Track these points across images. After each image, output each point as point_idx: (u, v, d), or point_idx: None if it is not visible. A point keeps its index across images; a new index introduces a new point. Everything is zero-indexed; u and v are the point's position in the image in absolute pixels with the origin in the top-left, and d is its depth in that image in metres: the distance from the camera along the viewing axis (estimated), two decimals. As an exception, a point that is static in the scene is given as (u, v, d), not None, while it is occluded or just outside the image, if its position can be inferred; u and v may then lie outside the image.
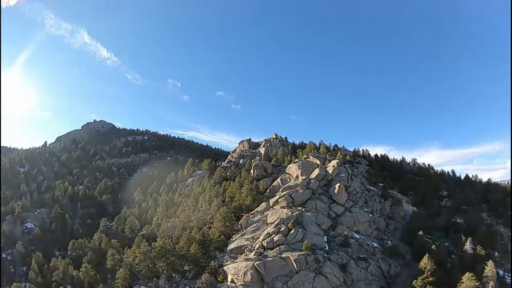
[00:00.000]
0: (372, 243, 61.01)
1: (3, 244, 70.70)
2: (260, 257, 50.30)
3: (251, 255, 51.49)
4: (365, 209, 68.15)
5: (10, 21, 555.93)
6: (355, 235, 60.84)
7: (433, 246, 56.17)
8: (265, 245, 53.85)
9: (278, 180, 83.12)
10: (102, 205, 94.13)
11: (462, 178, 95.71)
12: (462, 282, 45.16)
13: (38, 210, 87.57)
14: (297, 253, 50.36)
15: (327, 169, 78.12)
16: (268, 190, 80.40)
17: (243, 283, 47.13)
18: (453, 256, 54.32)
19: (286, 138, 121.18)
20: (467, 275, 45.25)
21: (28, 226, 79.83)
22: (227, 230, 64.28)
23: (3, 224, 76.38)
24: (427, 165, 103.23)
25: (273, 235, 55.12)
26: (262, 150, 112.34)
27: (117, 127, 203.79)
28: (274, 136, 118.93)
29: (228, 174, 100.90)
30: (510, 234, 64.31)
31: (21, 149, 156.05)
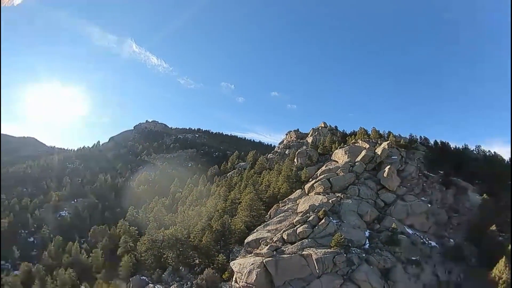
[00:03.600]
0: (430, 241, 45.95)
1: (34, 229, 72.70)
2: (275, 252, 38.93)
3: (264, 250, 40.07)
4: (423, 198, 53.04)
5: (57, 38, 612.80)
6: (407, 230, 46.43)
7: (510, 247, 40.25)
8: (285, 238, 42.19)
9: (323, 168, 71.58)
10: (138, 195, 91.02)
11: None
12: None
13: (75, 200, 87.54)
14: (323, 250, 38.06)
15: (376, 150, 64.63)
16: (310, 179, 69.38)
17: (245, 284, 36.04)
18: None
19: (336, 126, 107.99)
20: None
21: (62, 214, 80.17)
22: (253, 220, 54.19)
23: (39, 211, 77.60)
24: (493, 153, 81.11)
25: (297, 226, 43.32)
26: (309, 139, 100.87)
27: (169, 126, 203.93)
28: (322, 125, 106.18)
29: (270, 164, 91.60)
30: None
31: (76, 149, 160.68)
